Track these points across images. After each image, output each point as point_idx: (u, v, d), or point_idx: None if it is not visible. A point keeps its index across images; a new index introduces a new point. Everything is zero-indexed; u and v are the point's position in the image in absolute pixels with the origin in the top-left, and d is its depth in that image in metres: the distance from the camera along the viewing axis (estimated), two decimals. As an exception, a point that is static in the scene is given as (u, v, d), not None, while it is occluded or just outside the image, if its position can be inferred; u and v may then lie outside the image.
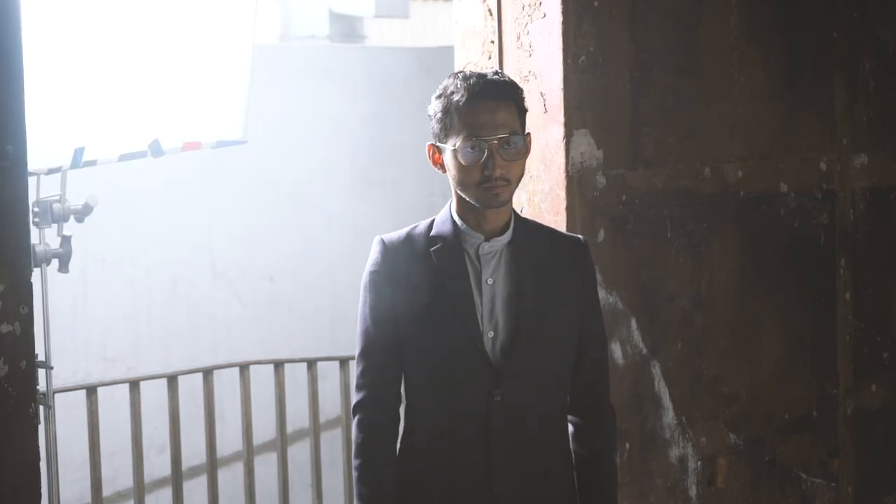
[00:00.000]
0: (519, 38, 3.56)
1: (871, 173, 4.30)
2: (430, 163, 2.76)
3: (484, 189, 2.64)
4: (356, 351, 2.78)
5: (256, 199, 7.25)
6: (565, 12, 3.44)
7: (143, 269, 6.90)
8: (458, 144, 2.64)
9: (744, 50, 3.90)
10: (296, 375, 6.14)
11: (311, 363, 5.79)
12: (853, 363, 4.27)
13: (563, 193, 3.47)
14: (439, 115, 2.69)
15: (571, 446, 2.89)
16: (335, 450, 6.40)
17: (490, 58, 3.64)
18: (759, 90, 3.95)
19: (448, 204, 2.79)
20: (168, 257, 6.98)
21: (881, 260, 4.35)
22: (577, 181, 3.48)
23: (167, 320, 6.98)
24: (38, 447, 2.35)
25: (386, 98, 7.51)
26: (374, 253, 2.76)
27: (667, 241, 3.72)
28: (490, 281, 2.71)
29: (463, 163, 2.64)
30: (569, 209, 3.47)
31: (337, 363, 5.92)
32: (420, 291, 2.70)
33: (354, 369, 2.80)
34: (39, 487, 2.35)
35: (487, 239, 2.72)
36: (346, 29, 9.35)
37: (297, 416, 6.47)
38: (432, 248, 2.72)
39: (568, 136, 3.46)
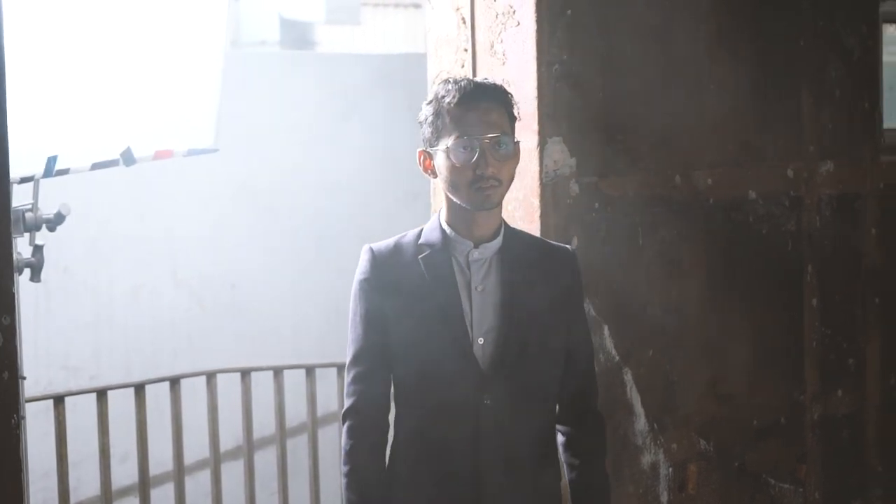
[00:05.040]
0: (492, 46, 3.57)
1: (837, 180, 4.34)
2: (421, 169, 2.77)
3: (476, 189, 2.64)
4: (347, 358, 2.78)
5: (218, 206, 7.21)
6: (539, 21, 3.46)
7: (105, 277, 6.85)
8: (449, 144, 2.65)
9: (714, 58, 3.93)
10: (260, 383, 6.12)
11: (278, 371, 5.77)
12: (820, 369, 4.31)
13: (536, 201, 3.48)
14: (430, 118, 2.70)
15: (563, 457, 2.90)
16: (301, 458, 6.38)
17: (463, 66, 3.64)
18: (729, 98, 3.98)
19: (437, 213, 2.79)
20: (129, 265, 6.93)
21: (847, 267, 4.40)
22: (550, 189, 3.49)
23: (129, 328, 6.93)
24: (20, 460, 2.33)
25: (346, 106, 7.48)
26: (362, 262, 2.76)
27: (639, 248, 3.73)
28: (480, 287, 2.72)
29: (455, 162, 2.65)
30: (542, 217, 3.48)
31: (303, 371, 5.91)
32: (409, 298, 2.70)
33: (345, 376, 2.80)
34: (22, 501, 2.33)
35: (477, 246, 2.73)
36: (297, 35, 9.35)
37: (262, 423, 6.43)
38: (420, 256, 2.73)
39: (541, 144, 3.47)
